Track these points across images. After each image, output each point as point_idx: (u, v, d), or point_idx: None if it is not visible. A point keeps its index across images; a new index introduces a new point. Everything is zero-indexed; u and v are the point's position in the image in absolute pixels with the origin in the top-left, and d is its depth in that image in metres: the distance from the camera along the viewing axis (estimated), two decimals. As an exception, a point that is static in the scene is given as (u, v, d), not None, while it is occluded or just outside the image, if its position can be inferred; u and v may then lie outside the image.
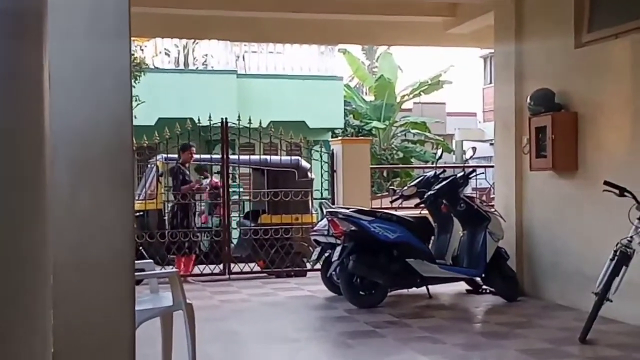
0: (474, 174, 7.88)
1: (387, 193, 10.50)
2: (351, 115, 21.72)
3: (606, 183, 5.59)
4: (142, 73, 12.22)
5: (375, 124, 21.01)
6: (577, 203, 6.85)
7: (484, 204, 7.87)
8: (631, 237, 5.43)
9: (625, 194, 5.51)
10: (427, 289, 7.37)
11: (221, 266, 9.36)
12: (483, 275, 7.37)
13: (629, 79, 6.22)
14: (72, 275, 2.39)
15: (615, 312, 5.85)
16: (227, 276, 9.29)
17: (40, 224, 1.59)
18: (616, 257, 5.39)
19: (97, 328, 2.48)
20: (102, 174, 2.49)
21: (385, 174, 20.13)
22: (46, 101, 1.63)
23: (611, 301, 5.40)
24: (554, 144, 6.88)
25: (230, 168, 9.95)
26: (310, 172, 9.90)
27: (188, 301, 4.32)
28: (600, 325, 5.55)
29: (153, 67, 15.33)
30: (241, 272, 9.35)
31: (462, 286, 7.76)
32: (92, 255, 2.44)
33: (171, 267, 8.89)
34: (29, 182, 1.56)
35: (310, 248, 8.95)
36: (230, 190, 9.65)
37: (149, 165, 9.83)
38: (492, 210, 7.60)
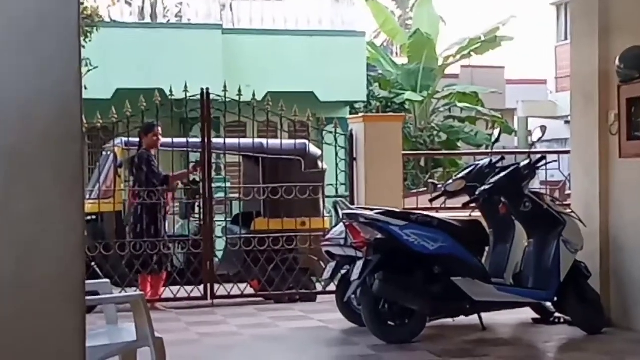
0: (544, 162, 7.87)
1: (425, 189, 10.50)
2: (377, 84, 21.71)
3: None
4: (95, 28, 12.26)
5: (409, 95, 20.99)
6: (683, 201, 6.83)
7: (557, 202, 7.86)
8: None
9: None
10: (480, 318, 7.38)
11: (201, 288, 9.40)
12: (555, 299, 7.36)
13: None
14: (3, 300, 2.42)
15: None
16: (209, 301, 9.34)
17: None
18: None
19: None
20: (43, 167, 2.51)
21: (422, 162, 20.12)
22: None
23: None
24: (652, 121, 6.86)
25: (214, 156, 9.98)
26: (322, 161, 9.92)
27: (157, 335, 4.35)
28: None
29: (109, 20, 15.38)
30: (228, 296, 9.40)
31: (528, 314, 7.76)
32: (29, 274, 2.46)
33: (134, 289, 8.95)
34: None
35: (322, 263, 8.97)
36: (214, 185, 9.69)
37: (103, 153, 9.88)
38: (568, 211, 7.58)
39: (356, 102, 18.82)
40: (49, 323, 2.51)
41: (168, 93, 9.37)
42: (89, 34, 11.81)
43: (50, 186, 2.50)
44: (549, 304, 7.58)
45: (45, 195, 2.53)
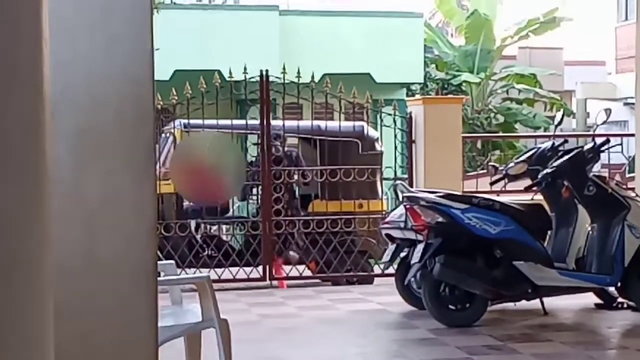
0: (608, 145, 7.72)
1: (483, 171, 10.40)
2: (433, 66, 21.55)
3: None
4: (156, 10, 12.33)
5: (466, 76, 20.81)
6: None
7: (622, 186, 7.72)
8: None
9: None
10: (542, 303, 7.30)
11: (260, 269, 9.43)
12: (619, 284, 7.25)
13: None
14: (79, 281, 2.42)
15: None
16: (268, 282, 9.36)
17: (38, 218, 1.60)
18: None
19: (109, 347, 2.51)
20: (114, 149, 2.50)
21: (479, 145, 19.94)
22: (45, 51, 1.63)
23: None
24: None
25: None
26: (379, 143, 9.85)
27: (222, 316, 4.35)
28: None
29: (169, 1, 15.47)
30: (287, 277, 9.41)
31: (590, 299, 7.65)
32: (104, 256, 2.46)
33: (194, 270, 9.00)
34: (22, 163, 1.57)
35: (380, 246, 8.93)
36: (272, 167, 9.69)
37: (163, 135, 9.93)
38: (633, 195, 7.45)
39: (412, 83, 18.70)
40: (121, 304, 2.51)
41: (227, 75, 9.36)
42: (149, 16, 11.90)
43: (123, 169, 2.49)
44: (612, 289, 7.47)
45: (116, 178, 2.52)
